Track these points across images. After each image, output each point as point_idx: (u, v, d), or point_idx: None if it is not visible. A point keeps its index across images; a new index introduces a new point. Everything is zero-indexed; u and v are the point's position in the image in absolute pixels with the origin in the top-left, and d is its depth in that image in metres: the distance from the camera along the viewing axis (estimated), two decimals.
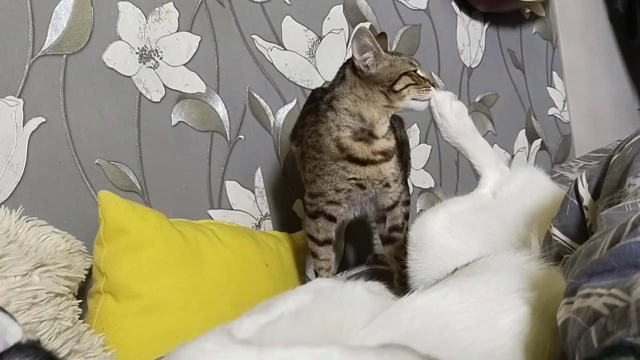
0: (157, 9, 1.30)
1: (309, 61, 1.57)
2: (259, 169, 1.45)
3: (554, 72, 2.30)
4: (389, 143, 1.07)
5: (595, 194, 0.74)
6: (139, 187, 1.26)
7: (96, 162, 1.20)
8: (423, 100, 1.02)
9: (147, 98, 1.28)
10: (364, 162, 1.04)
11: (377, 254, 1.39)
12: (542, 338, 0.60)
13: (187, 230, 1.11)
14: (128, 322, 1.01)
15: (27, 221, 1.02)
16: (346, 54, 1.63)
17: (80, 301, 1.01)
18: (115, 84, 1.24)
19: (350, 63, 1.05)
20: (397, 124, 1.18)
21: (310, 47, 1.57)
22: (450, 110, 1.03)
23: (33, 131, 1.13)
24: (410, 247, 0.95)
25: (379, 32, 1.70)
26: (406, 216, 1.16)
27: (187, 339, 0.94)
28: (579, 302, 0.50)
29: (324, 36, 1.60)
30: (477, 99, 2.01)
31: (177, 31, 1.33)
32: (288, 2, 1.53)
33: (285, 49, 1.52)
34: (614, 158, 0.72)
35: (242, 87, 1.44)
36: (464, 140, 1.04)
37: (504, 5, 1.99)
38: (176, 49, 1.33)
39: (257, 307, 0.68)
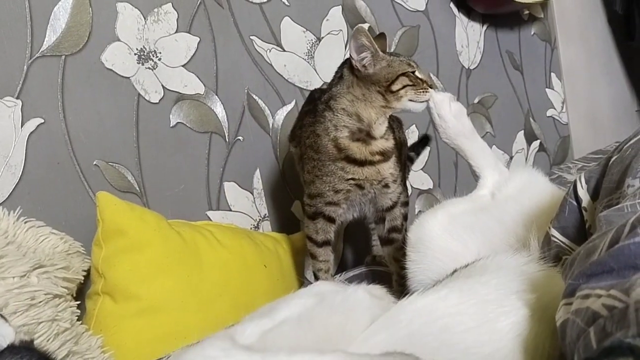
0: (155, 10, 1.30)
1: (308, 62, 1.57)
2: (258, 170, 1.45)
3: (552, 74, 2.30)
4: (388, 143, 1.06)
5: (594, 195, 0.74)
6: (138, 188, 1.26)
7: (94, 163, 1.20)
8: (420, 102, 1.02)
9: (145, 99, 1.28)
10: (362, 163, 1.04)
11: (375, 255, 1.39)
12: (541, 340, 0.60)
13: (185, 232, 1.11)
14: (126, 323, 1.00)
15: (25, 222, 1.02)
16: (345, 55, 1.63)
17: (78, 302, 1.01)
18: (113, 85, 1.24)
19: (348, 63, 1.05)
20: (395, 125, 1.18)
21: (309, 48, 1.57)
22: (449, 111, 1.03)
23: (31, 132, 1.13)
24: (409, 248, 0.95)
25: (377, 33, 1.70)
26: (405, 217, 1.16)
27: (185, 340, 0.94)
28: (578, 303, 0.50)
29: (322, 37, 1.60)
30: (476, 100, 2.01)
31: (176, 32, 1.33)
32: (287, 3, 1.53)
33: (284, 50, 1.52)
34: (612, 159, 0.72)
35: (241, 88, 1.44)
36: (463, 142, 1.04)
37: (502, 7, 2.00)
38: (175, 50, 1.33)
39: (259, 311, 0.67)
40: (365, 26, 1.70)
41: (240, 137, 1.42)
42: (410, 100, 1.02)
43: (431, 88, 1.03)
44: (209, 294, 1.07)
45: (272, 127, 1.49)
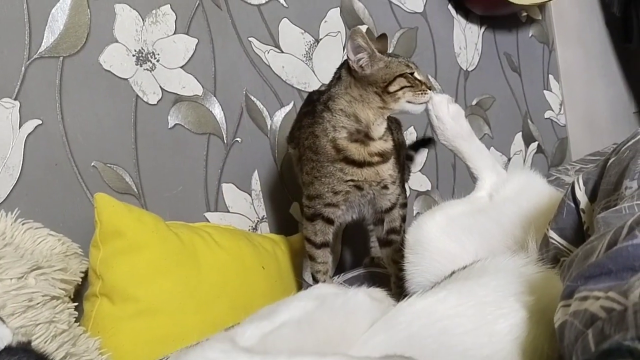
0: (154, 11, 1.30)
1: (306, 64, 1.57)
2: (256, 171, 1.45)
3: (550, 76, 2.30)
4: (386, 145, 1.06)
5: (592, 196, 0.74)
6: (136, 190, 1.25)
7: (92, 164, 1.20)
8: (419, 104, 1.02)
9: (143, 100, 1.28)
10: (360, 164, 1.04)
11: (374, 257, 1.39)
12: (540, 342, 0.60)
13: (183, 233, 1.11)
14: (124, 325, 1.00)
15: (23, 224, 1.02)
16: (343, 56, 1.63)
17: (76, 304, 1.01)
18: (111, 86, 1.23)
19: (346, 64, 1.05)
20: (394, 126, 1.18)
21: (307, 49, 1.57)
22: (447, 113, 1.03)
23: (29, 133, 1.13)
24: (407, 249, 0.95)
25: (376, 35, 1.71)
26: (403, 219, 1.16)
27: (183, 341, 0.94)
28: (576, 304, 0.50)
29: (320, 39, 1.60)
30: (474, 102, 2.02)
31: (174, 34, 1.33)
32: (285, 4, 1.53)
33: (282, 52, 1.52)
34: (610, 161, 0.72)
35: (239, 90, 1.44)
36: (461, 143, 1.04)
37: (500, 9, 2.00)
38: (173, 51, 1.33)
39: (259, 313, 0.68)
40: (364, 28, 1.70)
41: (238, 139, 1.42)
42: (409, 102, 1.02)
43: (430, 90, 1.03)
44: (207, 295, 1.07)
45: (270, 128, 1.49)
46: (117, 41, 1.24)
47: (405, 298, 0.71)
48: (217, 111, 1.39)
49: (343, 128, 1.03)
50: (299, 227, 1.50)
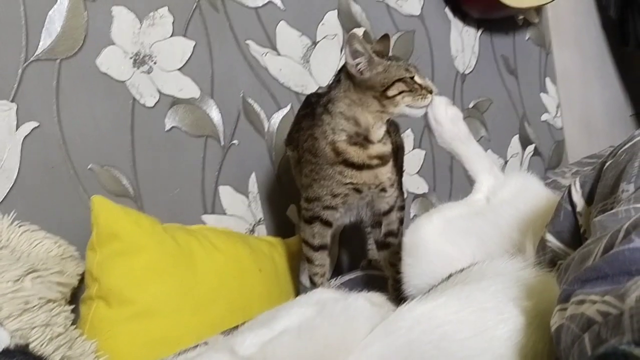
0: (151, 13, 1.30)
1: (304, 66, 1.57)
2: (253, 174, 1.45)
3: (547, 78, 2.31)
4: (385, 148, 1.06)
5: (589, 199, 0.74)
6: (132, 192, 1.25)
7: (89, 167, 1.20)
8: (419, 108, 1.02)
9: (140, 103, 1.28)
10: (360, 167, 1.04)
11: (371, 259, 1.39)
12: (540, 347, 0.60)
13: (180, 236, 1.11)
14: (121, 328, 1.00)
15: (19, 226, 1.01)
16: (340, 59, 1.63)
17: (72, 307, 1.01)
18: (108, 88, 1.23)
19: (346, 67, 1.05)
20: (392, 129, 1.18)
21: (304, 52, 1.57)
22: (445, 115, 1.03)
23: (26, 136, 1.13)
24: (405, 252, 0.95)
25: (373, 37, 1.71)
26: (401, 221, 1.15)
27: (180, 344, 0.94)
28: (573, 308, 0.50)
29: (318, 41, 1.60)
30: (471, 105, 2.02)
31: (172, 36, 1.33)
32: (282, 7, 1.53)
33: (280, 54, 1.52)
34: (607, 164, 0.72)
35: (236, 92, 1.44)
36: (459, 146, 1.04)
37: (497, 12, 2.00)
38: (170, 53, 1.33)
39: (258, 319, 0.67)
40: (361, 30, 1.70)
41: (235, 141, 1.42)
42: (408, 106, 1.01)
43: (431, 94, 1.02)
44: (204, 298, 1.07)
45: (268, 131, 1.49)
46: (114, 43, 1.24)
47: (405, 303, 0.71)
48: (215, 114, 1.39)
49: (342, 131, 1.03)
50: (296, 229, 1.50)
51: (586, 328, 0.46)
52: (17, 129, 1.12)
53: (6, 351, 0.67)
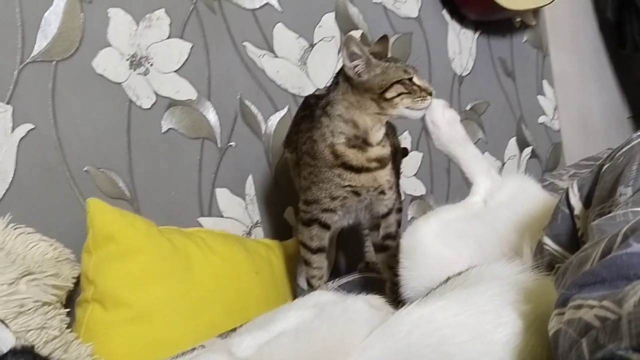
0: (148, 15, 1.30)
1: (301, 68, 1.56)
2: (250, 176, 1.45)
3: (544, 81, 2.31)
4: (384, 151, 1.06)
5: (587, 202, 0.74)
6: (129, 195, 1.25)
7: (85, 169, 1.19)
8: (418, 110, 1.02)
9: (137, 105, 1.27)
10: (358, 170, 1.04)
11: (368, 262, 1.39)
12: (538, 351, 0.59)
13: (176, 238, 1.10)
14: (116, 331, 1.00)
15: (15, 229, 1.01)
16: (338, 61, 1.63)
17: (68, 310, 1.01)
18: (105, 90, 1.23)
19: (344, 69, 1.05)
20: (389, 131, 1.18)
21: (301, 54, 1.57)
22: (442, 118, 1.03)
23: (22, 138, 1.12)
24: (402, 255, 0.95)
25: (370, 40, 1.71)
26: (399, 224, 1.15)
27: (176, 347, 0.94)
28: (570, 313, 0.50)
29: (315, 43, 1.60)
30: (468, 107, 2.02)
31: (168, 38, 1.33)
32: (279, 9, 1.53)
33: (277, 56, 1.52)
34: (605, 167, 0.72)
35: (233, 94, 1.44)
36: (456, 148, 1.04)
37: (494, 14, 2.00)
38: (167, 55, 1.32)
39: (256, 322, 0.67)
40: (358, 33, 1.70)
41: (232, 143, 1.42)
42: (407, 108, 1.01)
43: (430, 95, 1.01)
44: (200, 301, 1.07)
45: (265, 133, 1.48)
46: (110, 45, 1.24)
47: (404, 306, 0.71)
48: (211, 116, 1.39)
49: (341, 134, 1.03)
50: (294, 232, 1.49)
51: (584, 333, 0.46)
52: (12, 131, 1.11)
53: (14, 351, 0.67)
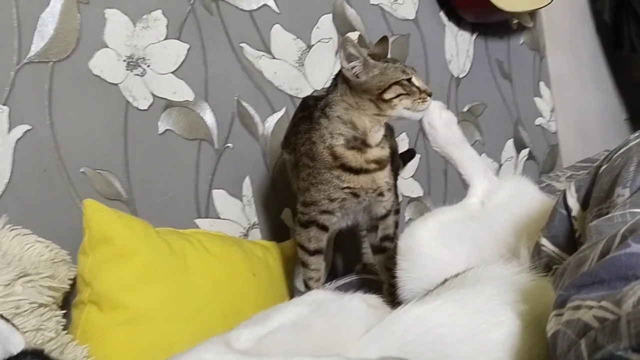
0: (145, 16, 1.29)
1: (298, 70, 1.56)
2: (247, 177, 1.45)
3: (541, 83, 2.31)
4: (383, 152, 1.06)
5: (584, 204, 0.74)
6: (125, 196, 1.25)
7: (82, 170, 1.19)
8: (417, 111, 1.01)
9: (134, 106, 1.27)
10: (357, 171, 1.04)
11: (366, 263, 1.39)
12: (535, 351, 0.59)
13: (173, 240, 1.10)
14: (113, 333, 0.99)
15: (10, 230, 1.00)
16: (335, 63, 1.63)
17: (64, 312, 1.00)
18: (102, 91, 1.23)
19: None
20: (387, 133, 1.17)
21: (299, 55, 1.57)
22: (439, 119, 1.03)
23: (18, 139, 1.12)
24: (400, 256, 0.95)
25: (368, 41, 1.71)
26: (396, 225, 1.15)
27: (173, 349, 0.93)
28: (569, 314, 0.49)
29: (313, 45, 1.60)
30: (465, 109, 2.02)
31: (165, 39, 1.33)
32: (277, 10, 1.53)
33: (274, 58, 1.52)
34: (602, 168, 0.72)
35: (231, 96, 1.43)
36: (453, 150, 1.04)
37: (492, 16, 2.00)
38: (164, 56, 1.32)
39: (253, 318, 0.67)
40: (356, 34, 1.70)
41: (229, 145, 1.41)
42: (406, 109, 1.01)
43: (430, 96, 1.01)
44: (197, 303, 1.06)
45: (262, 134, 1.48)
46: (107, 46, 1.24)
47: (401, 306, 0.71)
48: (209, 117, 1.39)
49: (340, 135, 1.03)
50: (291, 233, 1.49)
51: (582, 334, 0.46)
52: (9, 132, 1.11)
53: (25, 353, 0.67)
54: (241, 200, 1.43)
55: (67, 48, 1.19)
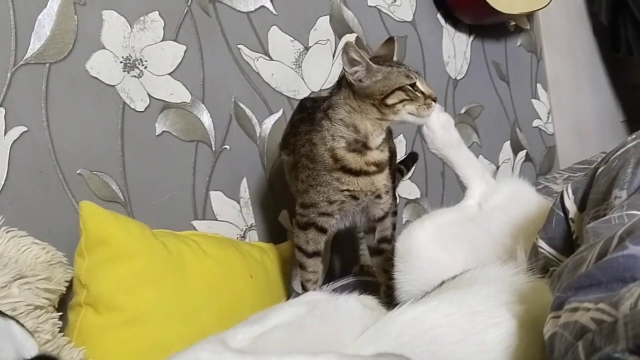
0: (142, 18, 1.29)
1: (296, 71, 1.56)
2: (245, 179, 1.44)
3: (538, 85, 2.32)
4: (382, 155, 1.06)
5: (581, 206, 0.74)
6: (122, 198, 1.24)
7: (78, 172, 1.19)
8: (421, 117, 1.01)
9: (131, 107, 1.27)
10: (357, 173, 1.03)
11: (363, 265, 1.39)
12: (531, 352, 0.59)
13: (170, 242, 1.10)
14: (109, 335, 0.99)
15: (7, 232, 1.00)
16: (332, 65, 1.63)
17: (60, 314, 0.99)
18: (98, 93, 1.22)
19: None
20: (386, 135, 1.17)
21: (296, 57, 1.57)
22: (437, 121, 1.03)
23: (14, 140, 1.11)
24: (397, 258, 0.95)
25: (365, 43, 1.71)
26: (393, 227, 1.15)
27: (169, 352, 0.93)
28: (566, 316, 0.49)
29: (310, 47, 1.60)
30: (463, 111, 2.02)
31: (162, 40, 1.32)
32: (274, 12, 1.53)
33: (272, 59, 1.52)
34: (599, 170, 0.72)
35: (228, 97, 1.43)
36: (450, 152, 1.04)
37: (489, 18, 2.01)
38: (161, 58, 1.32)
39: (250, 319, 0.67)
40: (353, 36, 1.70)
41: (227, 146, 1.41)
42: (410, 114, 1.00)
43: (435, 101, 1.00)
44: (194, 305, 1.06)
45: (259, 136, 1.48)
46: (104, 47, 1.23)
47: (396, 307, 0.71)
48: (206, 118, 1.38)
49: (342, 138, 1.03)
50: (288, 235, 1.49)
51: (580, 336, 0.46)
52: (5, 134, 1.10)
53: (40, 357, 0.68)
54: (238, 202, 1.43)
55: (64, 49, 1.19)
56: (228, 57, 1.44)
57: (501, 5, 1.87)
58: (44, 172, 1.14)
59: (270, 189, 1.49)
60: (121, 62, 1.26)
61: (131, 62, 1.27)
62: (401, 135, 1.78)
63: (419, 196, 1.86)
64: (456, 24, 2.02)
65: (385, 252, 1.12)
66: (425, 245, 0.93)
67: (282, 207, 1.50)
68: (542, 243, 0.77)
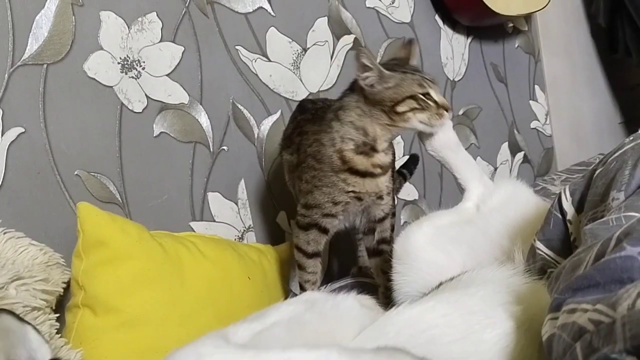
0: (140, 19, 1.29)
1: (294, 73, 1.56)
2: (243, 180, 1.44)
3: (536, 86, 2.32)
4: (387, 158, 1.06)
5: (579, 207, 0.74)
6: (120, 199, 1.24)
7: (76, 173, 1.18)
8: (432, 127, 1.00)
9: (128, 108, 1.27)
10: (363, 174, 1.03)
11: (361, 266, 1.38)
12: (528, 352, 0.59)
13: (168, 243, 1.10)
14: (107, 336, 0.98)
15: (4, 233, 1.00)
16: (330, 66, 1.63)
17: (57, 315, 0.99)
18: (96, 94, 1.22)
19: None
20: None
21: (294, 58, 1.57)
22: None
23: (12, 141, 1.11)
24: (395, 259, 0.95)
25: (363, 44, 1.71)
26: (392, 228, 1.15)
27: (167, 353, 0.92)
28: (564, 317, 0.49)
29: (308, 48, 1.60)
30: (461, 112, 2.02)
31: (160, 41, 1.32)
32: (273, 13, 1.53)
33: (270, 60, 1.52)
34: (597, 172, 0.72)
35: (226, 98, 1.43)
36: (448, 154, 1.05)
37: (487, 20, 2.01)
38: (159, 59, 1.32)
39: (250, 316, 0.68)
40: (351, 37, 1.70)
41: (224, 147, 1.41)
42: (422, 123, 1.00)
43: (447, 111, 1.00)
44: (192, 306, 1.06)
45: (258, 137, 1.48)
46: (102, 48, 1.23)
47: (394, 307, 0.71)
48: (204, 119, 1.38)
49: (351, 140, 1.02)
50: (286, 236, 1.49)
51: (578, 337, 0.46)
52: (2, 135, 1.10)
53: None
54: (236, 203, 1.43)
55: (62, 50, 1.18)
56: (226, 58, 1.44)
57: (499, 6, 1.87)
58: (42, 173, 1.14)
59: (268, 191, 1.49)
60: (119, 63, 1.26)
61: (129, 63, 1.27)
62: (399, 136, 1.78)
63: (417, 197, 1.86)
64: (454, 25, 2.03)
65: (384, 253, 1.12)
66: (423, 247, 0.93)
67: (280, 208, 1.50)
68: (539, 245, 0.77)
